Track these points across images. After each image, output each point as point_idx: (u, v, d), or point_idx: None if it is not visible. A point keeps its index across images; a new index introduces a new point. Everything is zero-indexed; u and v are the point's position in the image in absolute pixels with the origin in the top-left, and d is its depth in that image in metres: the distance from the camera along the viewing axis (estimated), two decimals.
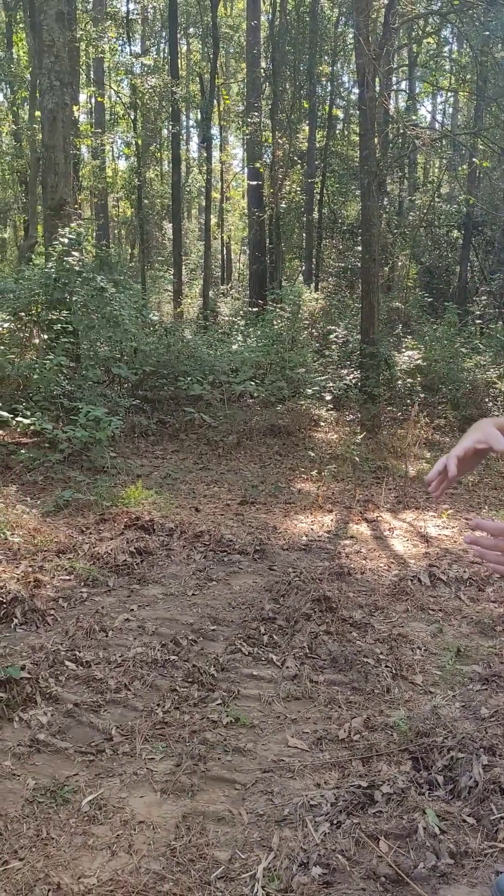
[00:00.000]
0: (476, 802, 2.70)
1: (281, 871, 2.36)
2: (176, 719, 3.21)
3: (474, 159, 14.47)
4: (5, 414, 7.03)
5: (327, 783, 2.83)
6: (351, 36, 15.58)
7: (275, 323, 12.63)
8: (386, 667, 3.74)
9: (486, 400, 11.02)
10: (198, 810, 2.66)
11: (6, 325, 8.86)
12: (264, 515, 6.48)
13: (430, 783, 2.81)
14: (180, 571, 5.04)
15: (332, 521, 6.44)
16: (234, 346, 12.30)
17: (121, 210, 27.37)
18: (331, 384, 10.71)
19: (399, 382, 10.94)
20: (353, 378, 10.84)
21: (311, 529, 6.15)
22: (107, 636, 3.98)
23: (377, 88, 10.33)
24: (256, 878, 2.33)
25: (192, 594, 4.67)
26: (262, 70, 19.21)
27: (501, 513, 6.80)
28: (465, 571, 5.11)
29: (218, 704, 3.36)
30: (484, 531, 1.37)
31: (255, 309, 15.68)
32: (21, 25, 19.13)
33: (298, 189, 19.82)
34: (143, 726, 3.14)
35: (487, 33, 10.97)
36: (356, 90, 13.84)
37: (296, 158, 19.45)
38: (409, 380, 10.85)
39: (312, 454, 8.71)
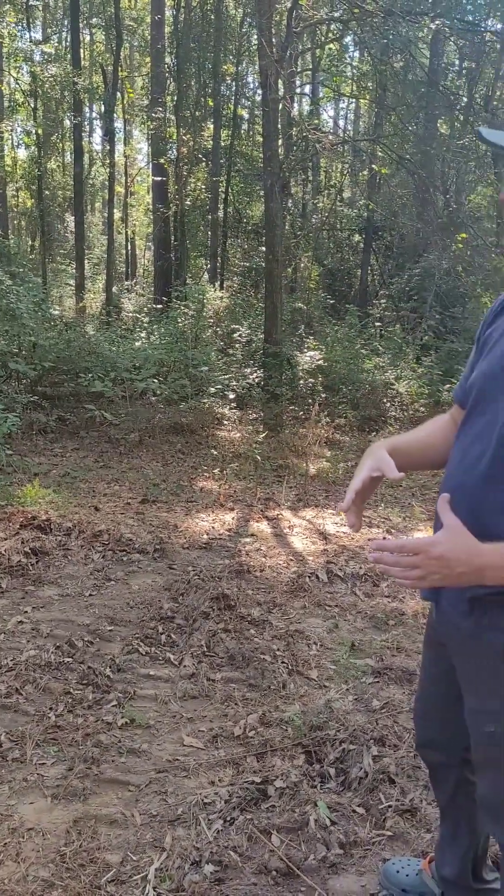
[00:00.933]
0: (365, 793, 2.77)
1: (173, 870, 2.36)
2: (69, 722, 3.15)
3: (374, 166, 14.85)
4: None
5: (222, 780, 2.84)
6: (255, 37, 15.69)
7: (179, 321, 12.58)
8: (282, 663, 3.79)
9: (384, 401, 11.33)
10: (90, 814, 2.62)
11: None
12: (165, 514, 6.44)
13: (322, 776, 2.87)
14: (78, 572, 4.95)
15: (233, 519, 6.47)
16: (138, 343, 12.17)
17: (21, 200, 26.57)
18: (234, 383, 10.76)
19: (301, 382, 11.11)
20: (257, 377, 10.93)
21: (213, 528, 6.16)
22: None
23: (280, 91, 10.45)
24: (148, 880, 2.31)
25: (90, 595, 4.59)
26: (166, 65, 19.07)
27: (396, 510, 7.01)
28: (360, 568, 5.24)
29: (113, 706, 3.32)
30: (385, 550, 1.48)
31: (159, 306, 15.56)
32: None
33: (203, 187, 19.81)
34: (35, 731, 3.07)
35: (386, 41, 11.27)
36: (260, 91, 13.96)
37: (200, 156, 19.42)
38: (310, 380, 11.03)
39: (215, 452, 8.72)
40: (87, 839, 2.48)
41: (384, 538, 6.04)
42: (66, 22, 23.32)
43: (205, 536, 5.88)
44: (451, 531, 1.48)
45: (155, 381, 9.93)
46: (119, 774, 2.85)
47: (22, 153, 24.05)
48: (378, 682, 3.66)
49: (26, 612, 4.26)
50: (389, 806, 2.70)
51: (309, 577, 5.07)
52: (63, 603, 4.45)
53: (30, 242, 26.11)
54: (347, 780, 2.85)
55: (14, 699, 3.29)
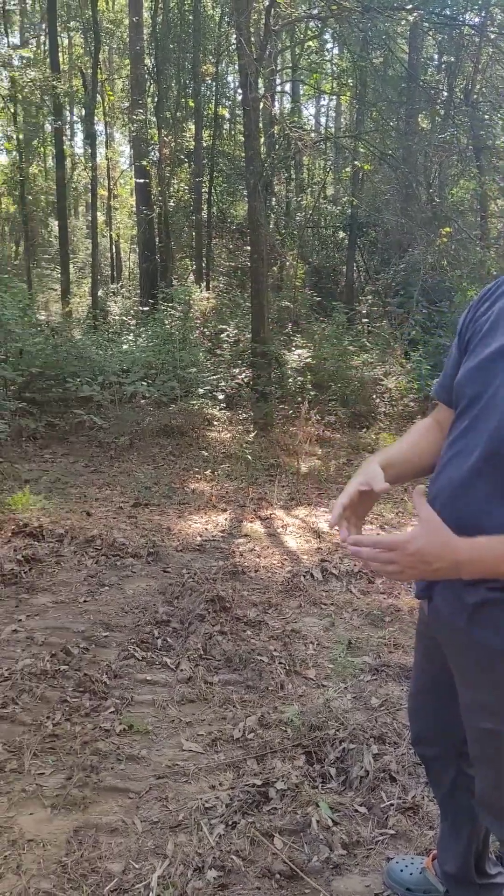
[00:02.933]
0: (367, 792, 2.76)
1: (176, 877, 2.34)
2: (67, 731, 3.13)
3: (356, 162, 14.85)
4: None
5: (222, 784, 2.83)
6: (234, 36, 15.67)
7: (166, 322, 12.54)
8: (280, 663, 3.78)
9: (374, 397, 11.33)
10: (90, 823, 2.60)
11: None
12: (158, 517, 6.42)
13: (322, 776, 2.86)
14: (71, 578, 4.92)
15: (226, 520, 6.46)
16: (125, 346, 12.13)
17: (3, 206, 26.45)
18: (223, 383, 10.74)
19: (290, 381, 11.09)
20: (245, 377, 10.91)
21: (206, 529, 6.14)
22: None
23: (260, 89, 10.44)
24: (151, 888, 2.29)
25: (84, 601, 4.57)
26: (146, 67, 19.02)
27: (389, 506, 7.01)
28: (355, 565, 5.23)
29: (111, 713, 3.30)
30: (362, 545, 1.52)
31: (145, 308, 15.52)
32: None
33: (187, 188, 19.75)
34: (32, 741, 3.04)
35: (364, 37, 11.27)
36: (241, 90, 13.94)
37: (183, 157, 19.38)
38: (299, 378, 11.01)
39: (206, 454, 8.70)
40: (89, 848, 2.46)
41: (378, 534, 6.03)
42: (43, 26, 23.19)
43: (198, 538, 5.86)
44: (426, 526, 1.49)
45: (143, 383, 9.90)
46: (118, 782, 2.83)
47: (3, 158, 23.94)
48: (376, 679, 3.65)
49: (20, 620, 4.23)
50: (391, 804, 2.70)
51: (304, 576, 5.06)
52: (57, 610, 4.42)
53: (13, 248, 26.01)
54: (348, 779, 2.84)
55: (10, 709, 3.26)
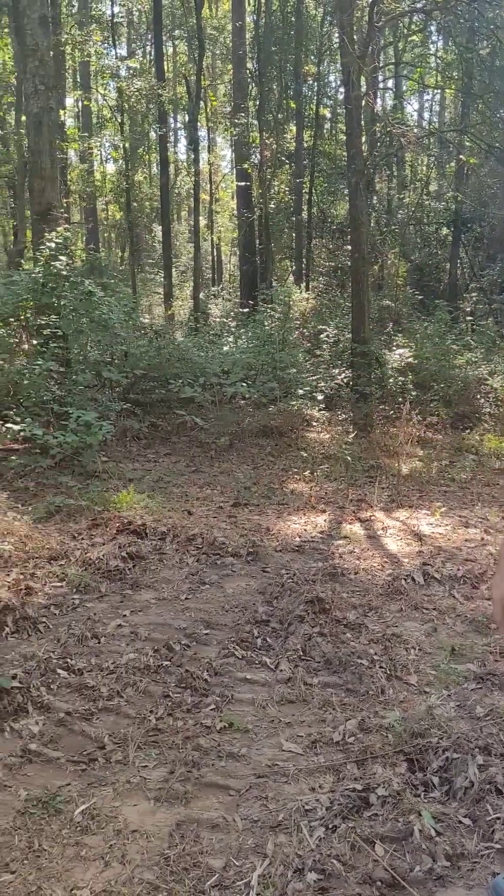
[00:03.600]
0: (472, 803, 2.68)
1: (276, 877, 2.34)
2: (169, 726, 3.19)
3: (461, 156, 14.48)
4: None
5: (322, 787, 2.81)
6: (336, 35, 15.58)
7: (266, 323, 12.62)
8: (380, 667, 3.72)
9: (478, 397, 11.02)
10: (192, 818, 2.64)
11: None
12: (257, 517, 6.45)
13: (425, 784, 2.79)
14: (173, 576, 5.01)
15: (325, 521, 6.42)
16: (225, 348, 12.28)
17: (110, 213, 27.31)
18: (322, 384, 10.70)
19: (391, 381, 10.93)
20: (345, 377, 10.83)
21: (305, 530, 6.12)
22: (99, 643, 3.95)
23: (363, 87, 10.33)
24: (251, 886, 2.30)
25: (185, 598, 4.65)
26: (248, 71, 19.20)
27: (494, 510, 6.79)
28: (458, 569, 5.10)
29: (211, 709, 3.33)
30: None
31: (245, 310, 15.66)
32: (6, 30, 19.07)
33: (287, 189, 19.82)
34: (136, 734, 3.11)
35: (470, 25, 10.96)
36: (342, 89, 13.85)
37: (284, 158, 19.44)
38: (400, 378, 10.84)
39: (305, 454, 8.69)
40: (190, 843, 2.49)
41: (482, 539, 5.86)
42: (149, 36, 23.80)
43: (297, 539, 5.85)
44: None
45: (243, 384, 9.99)
46: (219, 778, 2.86)
47: (110, 167, 24.73)
48: (481, 688, 3.54)
49: (125, 615, 4.34)
50: (498, 818, 2.60)
51: (405, 579, 4.97)
52: (160, 606, 4.51)
53: (119, 254, 26.81)
54: (452, 789, 2.76)
55: (115, 702, 3.35)
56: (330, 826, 2.56)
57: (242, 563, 5.27)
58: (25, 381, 7.84)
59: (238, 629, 4.15)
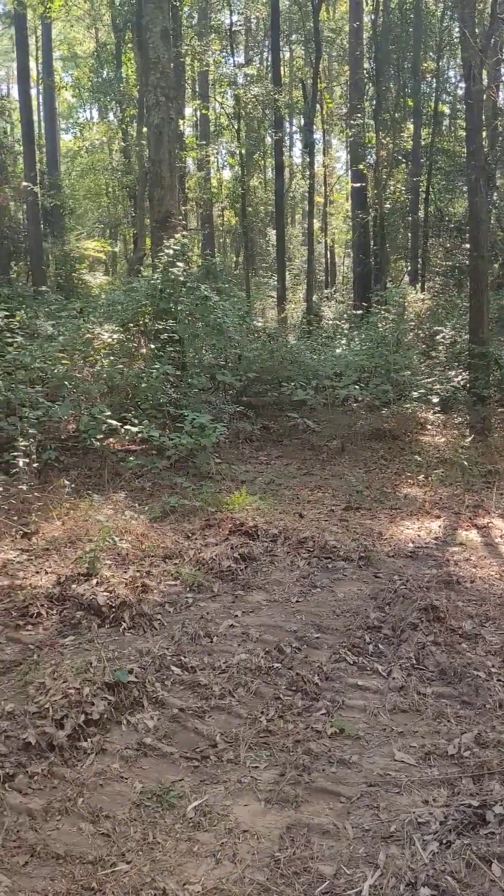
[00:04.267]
0: None
1: (388, 889, 2.30)
2: (280, 728, 3.19)
3: None
4: (114, 422, 7.25)
5: (436, 801, 2.74)
6: (457, 29, 15.20)
7: (379, 325, 12.43)
8: (498, 680, 3.59)
9: None
10: (302, 822, 2.63)
11: (116, 335, 9.14)
12: (369, 521, 6.37)
13: None
14: (284, 578, 5.03)
15: (439, 527, 6.27)
16: (338, 350, 12.20)
17: (225, 219, 27.76)
18: (438, 386, 10.43)
19: None
20: (462, 379, 10.51)
21: (418, 536, 6.00)
22: (211, 642, 4.01)
23: (484, 81, 10.03)
24: None
25: (296, 601, 4.65)
26: (364, 71, 19.03)
27: None
28: None
29: (322, 714, 3.32)
30: None
31: (359, 312, 15.50)
32: (130, 45, 19.75)
33: (403, 188, 19.49)
34: (247, 734, 3.14)
35: None
36: (463, 85, 13.49)
37: (400, 158, 19.13)
38: None
39: (419, 458, 8.51)
40: (301, 847, 2.49)
41: None
42: (266, 42, 24.04)
43: (410, 545, 5.74)
44: None
45: (356, 387, 9.89)
46: (330, 784, 2.84)
47: (226, 174, 25.15)
48: None
49: (236, 616, 4.39)
50: None
51: None
52: (271, 608, 4.53)
53: (234, 258, 27.19)
54: None
55: (227, 701, 3.39)
56: (444, 841, 2.49)
57: (354, 568, 5.22)
58: (143, 385, 8.08)
59: (349, 634, 4.11)
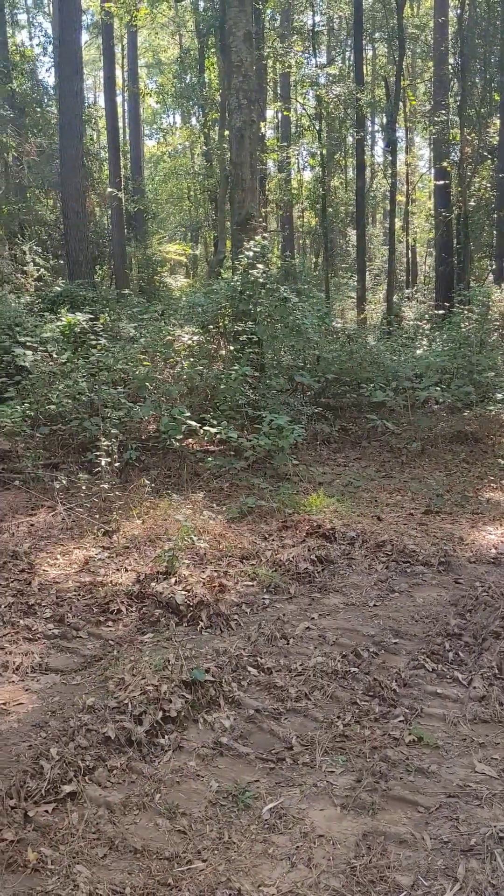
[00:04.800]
0: None
1: None
2: (356, 733, 3.16)
3: None
4: (194, 423, 7.34)
5: None
6: None
7: (462, 325, 12.16)
8: None
9: None
10: (378, 830, 2.59)
11: (196, 337, 9.25)
12: (450, 526, 6.24)
13: None
14: (361, 581, 4.97)
15: None
16: (419, 351, 11.99)
17: (305, 220, 27.73)
18: None
19: None
20: None
21: (501, 542, 5.83)
22: (288, 644, 4.00)
23: None
24: None
25: (374, 605, 4.59)
26: (449, 66, 18.68)
27: None
28: None
29: (400, 721, 3.26)
30: None
31: (441, 312, 15.21)
32: (213, 50, 19.98)
33: (488, 185, 19.03)
34: (323, 738, 3.12)
35: None
36: None
37: (486, 154, 18.68)
38: None
39: (503, 462, 8.28)
40: (377, 855, 2.45)
41: None
42: (349, 42, 23.90)
43: (493, 550, 5.58)
44: None
45: (437, 389, 9.70)
46: (407, 793, 2.79)
47: (307, 175, 25.11)
48: None
49: (313, 618, 4.37)
50: None
51: None
52: (348, 612, 4.49)
53: (314, 259, 27.12)
54: None
55: (303, 703, 3.38)
56: None
57: (433, 573, 5.12)
58: (222, 386, 8.15)
59: (428, 640, 4.03)
